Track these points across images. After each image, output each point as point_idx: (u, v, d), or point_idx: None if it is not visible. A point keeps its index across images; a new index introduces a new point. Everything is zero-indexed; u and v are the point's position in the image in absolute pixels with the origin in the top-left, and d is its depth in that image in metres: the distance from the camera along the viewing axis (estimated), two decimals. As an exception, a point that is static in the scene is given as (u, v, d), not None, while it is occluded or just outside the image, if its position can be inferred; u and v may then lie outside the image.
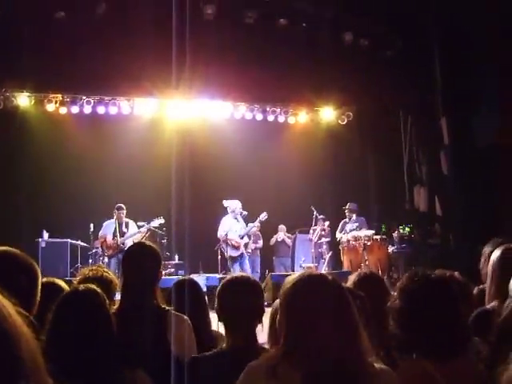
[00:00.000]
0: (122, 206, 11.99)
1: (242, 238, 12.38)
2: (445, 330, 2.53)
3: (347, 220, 13.08)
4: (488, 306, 3.46)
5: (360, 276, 3.47)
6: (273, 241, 14.29)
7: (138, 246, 3.93)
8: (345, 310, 2.21)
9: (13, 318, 1.16)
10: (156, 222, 12.11)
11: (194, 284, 4.09)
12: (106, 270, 3.99)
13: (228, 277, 3.21)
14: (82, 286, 3.01)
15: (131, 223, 12.11)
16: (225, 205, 12.52)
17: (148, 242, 3.94)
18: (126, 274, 3.62)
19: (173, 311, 3.49)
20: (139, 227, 12.10)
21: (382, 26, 13.04)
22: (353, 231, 12.69)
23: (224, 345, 3.05)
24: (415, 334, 2.57)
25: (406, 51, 13.11)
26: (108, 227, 12.07)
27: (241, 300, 2.99)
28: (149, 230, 12.14)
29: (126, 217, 12.06)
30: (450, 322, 2.55)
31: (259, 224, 12.79)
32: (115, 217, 11.97)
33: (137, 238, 11.74)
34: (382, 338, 2.74)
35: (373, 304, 2.80)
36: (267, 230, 13.83)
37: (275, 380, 2.14)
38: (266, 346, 3.08)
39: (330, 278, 2.31)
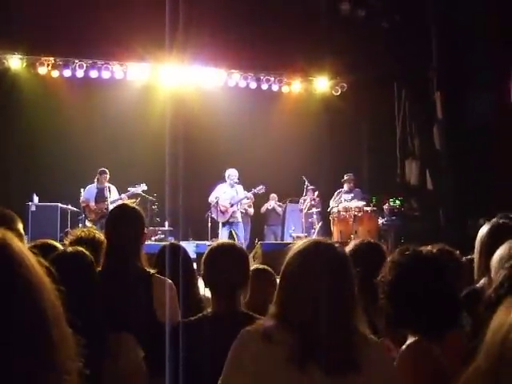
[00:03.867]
0: (105, 170, 11.95)
1: (231, 205, 12.40)
2: (435, 305, 2.53)
3: (343, 190, 13.05)
4: (477, 285, 3.45)
5: (362, 243, 3.48)
6: (263, 209, 14.29)
7: (121, 208, 3.90)
8: (346, 281, 2.22)
9: (35, 268, 1.18)
10: (138, 189, 12.06)
11: (179, 248, 4.07)
12: (97, 231, 3.97)
13: (214, 243, 3.23)
14: (70, 248, 3.01)
15: (113, 188, 12.06)
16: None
17: (131, 204, 3.91)
18: (109, 236, 3.60)
19: (156, 274, 3.49)
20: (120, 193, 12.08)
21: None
22: (346, 202, 12.69)
23: (209, 310, 3.07)
24: (404, 308, 2.57)
25: (403, 24, 13.02)
26: (89, 192, 12.02)
27: (225, 266, 3.01)
28: (132, 195, 12.06)
29: (115, 182, 12.03)
30: (440, 296, 2.55)
31: (251, 197, 12.80)
32: (96, 181, 11.94)
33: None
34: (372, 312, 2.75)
35: (371, 274, 2.78)
36: (259, 199, 13.83)
37: (271, 344, 2.15)
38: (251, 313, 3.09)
39: (336, 246, 2.31)
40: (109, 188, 12.00)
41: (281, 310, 2.22)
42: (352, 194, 12.84)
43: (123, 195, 11.99)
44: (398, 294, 2.60)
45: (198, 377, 2.63)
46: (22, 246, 1.19)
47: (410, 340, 2.56)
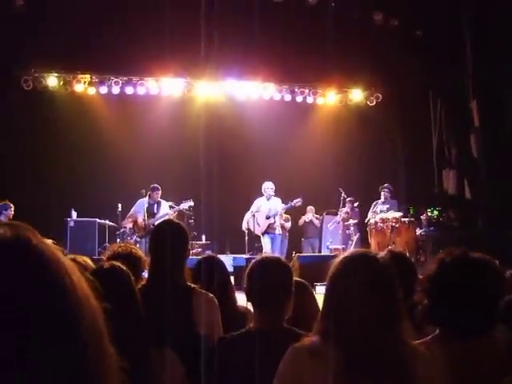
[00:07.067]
0: (158, 186, 11.89)
1: (267, 218, 12.30)
2: (475, 307, 2.48)
3: (380, 201, 12.93)
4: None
5: (390, 254, 3.45)
6: (301, 222, 14.24)
7: (166, 224, 3.88)
8: (390, 294, 2.18)
9: (74, 278, 0.97)
10: (186, 205, 11.97)
11: (216, 261, 4.07)
12: (134, 246, 3.99)
13: (258, 257, 3.16)
14: (106, 264, 3.02)
15: (163, 204, 11.94)
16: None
17: (176, 220, 3.92)
18: (154, 251, 3.60)
19: (200, 289, 3.48)
20: (170, 208, 12.04)
21: (411, 6, 12.87)
22: (382, 213, 12.58)
23: (252, 325, 3.01)
24: (443, 306, 2.53)
25: (437, 32, 12.92)
26: (140, 206, 11.98)
27: (269, 280, 2.91)
28: (178, 211, 12.07)
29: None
30: (482, 300, 2.50)
31: (283, 211, 12.67)
32: (148, 197, 11.90)
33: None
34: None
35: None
36: (296, 211, 13.78)
37: (319, 359, 2.13)
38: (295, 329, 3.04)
39: (378, 258, 2.27)
40: (159, 203, 11.98)
41: (326, 324, 2.19)
42: (388, 205, 12.71)
43: (170, 211, 11.95)
44: (436, 289, 2.55)
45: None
46: (52, 247, 0.98)
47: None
